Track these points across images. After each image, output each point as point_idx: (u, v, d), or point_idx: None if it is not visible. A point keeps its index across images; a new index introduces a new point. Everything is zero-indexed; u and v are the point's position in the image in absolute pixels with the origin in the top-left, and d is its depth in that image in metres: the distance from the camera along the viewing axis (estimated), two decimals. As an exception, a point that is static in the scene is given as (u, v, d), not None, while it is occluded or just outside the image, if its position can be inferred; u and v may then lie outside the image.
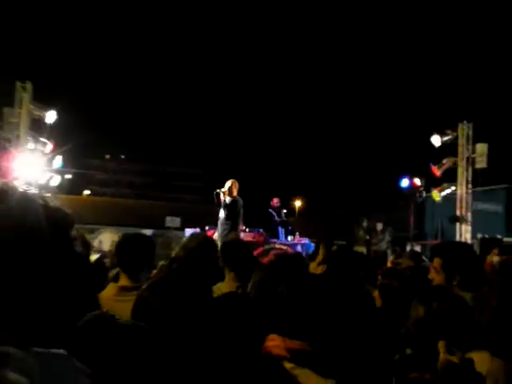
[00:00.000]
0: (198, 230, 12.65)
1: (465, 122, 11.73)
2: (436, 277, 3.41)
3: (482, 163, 11.53)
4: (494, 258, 6.48)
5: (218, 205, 9.72)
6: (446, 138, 11.81)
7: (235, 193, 9.71)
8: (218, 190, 9.73)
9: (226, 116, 70.45)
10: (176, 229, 19.42)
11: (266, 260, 7.44)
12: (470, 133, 11.65)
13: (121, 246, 3.68)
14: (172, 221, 21.14)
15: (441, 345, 1.45)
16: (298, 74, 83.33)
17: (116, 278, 3.65)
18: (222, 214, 9.70)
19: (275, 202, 12.75)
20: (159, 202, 36.63)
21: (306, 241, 12.53)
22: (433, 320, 1.52)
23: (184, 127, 64.94)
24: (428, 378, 1.44)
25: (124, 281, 3.42)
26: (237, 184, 9.80)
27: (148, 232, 15.27)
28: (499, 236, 12.76)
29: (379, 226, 17.23)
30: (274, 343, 1.74)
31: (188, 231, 12.82)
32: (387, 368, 1.62)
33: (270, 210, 12.60)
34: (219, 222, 9.82)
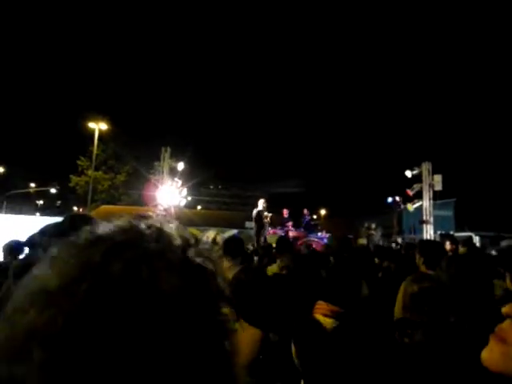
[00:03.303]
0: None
1: (426, 161, 11.26)
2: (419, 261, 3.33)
3: (438, 187, 11.05)
4: (448, 247, 6.18)
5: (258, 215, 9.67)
6: (414, 172, 11.37)
7: None
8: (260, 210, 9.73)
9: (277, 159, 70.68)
10: (251, 229, 19.47)
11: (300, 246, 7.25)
12: (430, 168, 11.16)
13: (225, 242, 3.75)
14: (249, 224, 21.20)
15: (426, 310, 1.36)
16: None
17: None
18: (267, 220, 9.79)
19: (306, 212, 12.47)
20: (241, 212, 36.82)
21: (329, 235, 12.27)
22: (424, 294, 1.43)
23: (252, 168, 66.00)
24: (420, 335, 1.35)
25: (227, 263, 3.47)
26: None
27: (234, 231, 15.30)
28: (451, 232, 12.19)
29: (373, 226, 16.71)
30: (321, 306, 1.70)
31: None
32: (390, 326, 1.55)
33: (305, 217, 12.32)
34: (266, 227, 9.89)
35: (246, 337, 1.46)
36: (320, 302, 1.70)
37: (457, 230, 14.48)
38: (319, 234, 12.43)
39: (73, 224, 1.89)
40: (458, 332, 1.38)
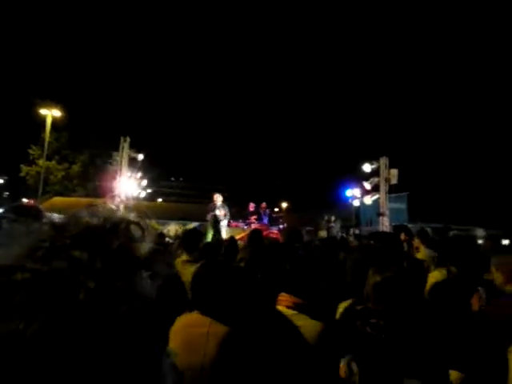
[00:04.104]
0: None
1: (384, 156, 11.70)
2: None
3: (394, 180, 11.54)
4: (402, 237, 6.44)
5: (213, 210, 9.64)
6: (373, 166, 11.77)
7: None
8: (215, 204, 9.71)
9: (239, 150, 70.53)
10: (213, 221, 19.30)
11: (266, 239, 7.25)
12: (387, 163, 11.62)
13: (184, 235, 3.66)
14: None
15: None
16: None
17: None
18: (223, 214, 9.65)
19: (263, 206, 12.39)
20: (202, 205, 36.31)
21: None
22: (386, 283, 1.44)
23: (214, 161, 65.48)
24: (382, 323, 1.38)
25: (185, 257, 3.39)
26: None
27: (195, 224, 15.03)
28: (405, 223, 12.82)
29: (333, 218, 17.17)
30: (284, 298, 1.68)
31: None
32: (353, 315, 1.56)
33: (261, 211, 12.22)
34: (225, 220, 9.81)
35: (215, 332, 1.41)
36: (283, 294, 1.68)
37: (409, 222, 15.29)
38: (281, 226, 12.57)
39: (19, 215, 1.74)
40: (414, 321, 1.41)
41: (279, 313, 1.63)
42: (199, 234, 3.81)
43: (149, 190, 23.35)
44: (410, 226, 12.30)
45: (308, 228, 15.69)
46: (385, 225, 11.40)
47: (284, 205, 41.56)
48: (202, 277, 1.70)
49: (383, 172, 11.59)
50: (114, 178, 11.32)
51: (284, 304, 1.68)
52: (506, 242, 6.81)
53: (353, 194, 13.69)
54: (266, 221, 12.11)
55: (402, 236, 6.46)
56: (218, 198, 9.82)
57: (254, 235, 4.26)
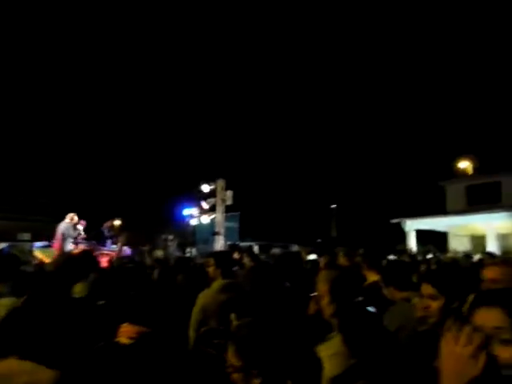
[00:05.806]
0: (46, 242, 11.13)
1: (221, 178, 12.43)
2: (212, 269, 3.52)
3: (229, 201, 12.37)
4: (236, 256, 6.91)
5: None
6: (210, 187, 12.37)
7: None
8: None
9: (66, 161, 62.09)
10: (29, 241, 16.36)
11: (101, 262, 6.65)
12: (223, 185, 12.38)
13: None
14: (26, 235, 18.01)
15: (232, 316, 1.44)
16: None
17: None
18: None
19: (105, 225, 11.70)
20: (13, 222, 30.32)
21: (126, 248, 11.73)
22: (232, 302, 1.51)
23: (38, 169, 55.50)
24: (223, 342, 1.43)
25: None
26: None
27: (3, 245, 12.46)
28: (237, 242, 13.93)
29: (170, 237, 17.14)
30: (126, 329, 1.56)
31: (37, 244, 11.16)
32: (197, 338, 1.57)
33: (102, 229, 11.49)
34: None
35: (39, 380, 1.19)
36: (124, 325, 1.56)
37: (241, 240, 16.64)
38: (114, 246, 11.68)
39: None
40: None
41: (117, 347, 1.50)
42: (13, 258, 3.16)
43: None
44: (242, 244, 13.35)
45: (144, 248, 15.21)
46: (220, 243, 12.00)
47: (116, 222, 38.68)
48: (22, 313, 1.43)
49: (220, 193, 12.28)
50: None
51: (126, 335, 1.56)
52: (312, 256, 7.95)
53: (190, 213, 14.00)
54: (109, 240, 11.39)
55: (236, 255, 6.98)
56: (71, 218, 9.41)
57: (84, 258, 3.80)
